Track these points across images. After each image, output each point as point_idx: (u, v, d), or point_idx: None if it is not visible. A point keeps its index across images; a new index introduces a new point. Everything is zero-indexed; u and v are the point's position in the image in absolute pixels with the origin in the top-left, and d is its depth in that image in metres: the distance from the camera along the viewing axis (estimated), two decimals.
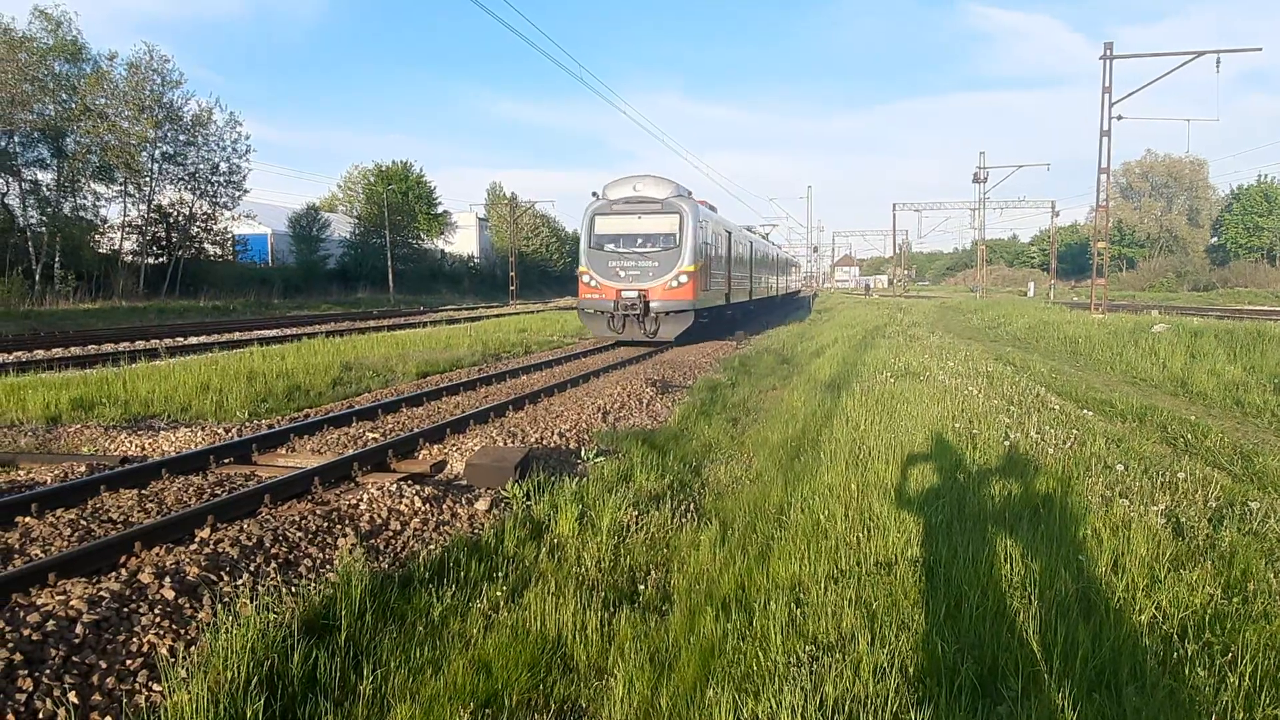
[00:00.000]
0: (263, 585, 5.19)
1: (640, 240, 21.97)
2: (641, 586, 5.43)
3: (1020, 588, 4.68)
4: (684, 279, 21.39)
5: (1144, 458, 7.91)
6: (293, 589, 5.18)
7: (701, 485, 8.10)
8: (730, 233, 27.95)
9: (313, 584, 5.29)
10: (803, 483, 7.21)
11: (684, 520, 6.79)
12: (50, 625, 4.33)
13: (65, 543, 6.12)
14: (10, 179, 39.45)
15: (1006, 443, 8.11)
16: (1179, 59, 30.29)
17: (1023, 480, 6.74)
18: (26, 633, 4.23)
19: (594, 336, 23.26)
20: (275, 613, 4.60)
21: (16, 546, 5.95)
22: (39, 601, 4.68)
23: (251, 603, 4.75)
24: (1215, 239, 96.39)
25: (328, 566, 5.68)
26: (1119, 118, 31.26)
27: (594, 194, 22.86)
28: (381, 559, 5.91)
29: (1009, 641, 4.04)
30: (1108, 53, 31.23)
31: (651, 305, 21.44)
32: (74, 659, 4.14)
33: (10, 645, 4.08)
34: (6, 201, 39.85)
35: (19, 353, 20.03)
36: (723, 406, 12.72)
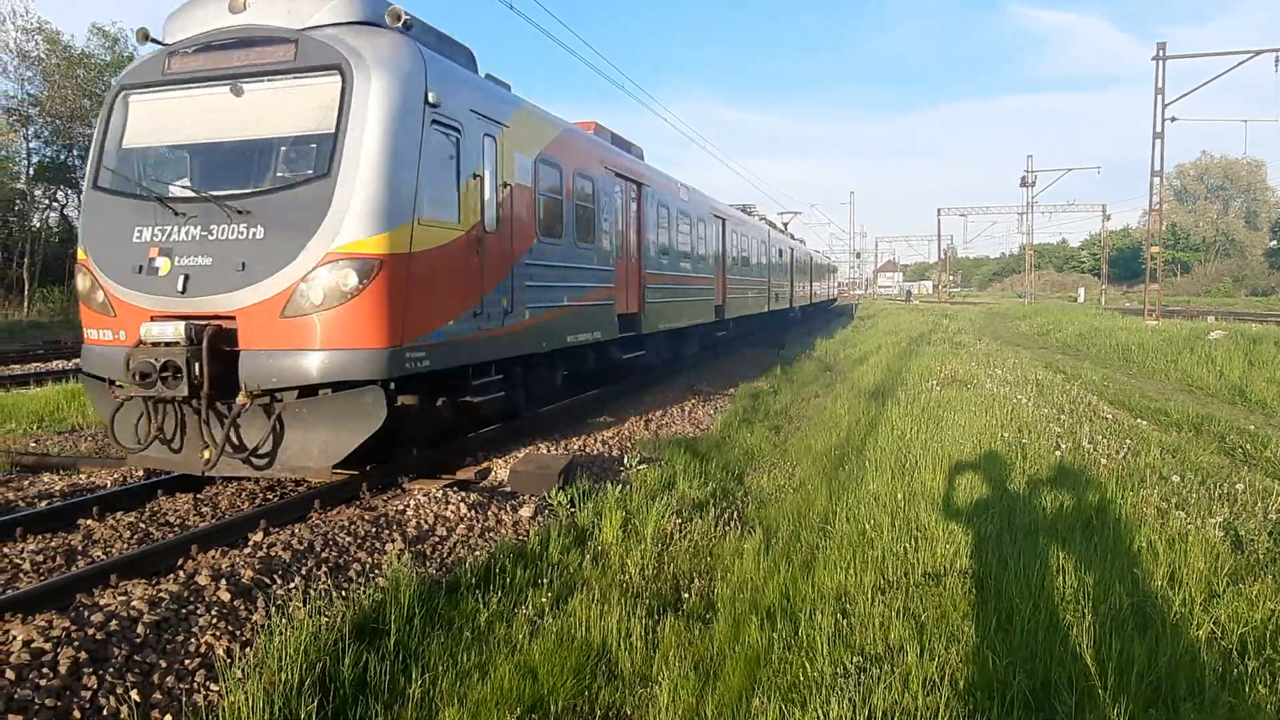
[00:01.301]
0: (314, 589, 5.29)
1: (233, 160, 7.83)
2: (685, 594, 5.43)
3: (1073, 601, 4.59)
4: (352, 280, 6.93)
5: (1201, 468, 7.70)
6: (343, 593, 5.28)
7: (744, 493, 8.08)
8: (641, 185, 14.12)
9: (362, 588, 5.39)
10: (847, 492, 7.15)
11: (727, 528, 6.78)
12: (113, 625, 4.47)
13: (125, 545, 6.31)
14: (70, 191, 40.83)
15: (1057, 453, 7.96)
16: (1235, 58, 29.55)
17: (1075, 491, 6.61)
18: (91, 632, 4.37)
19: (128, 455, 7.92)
20: (326, 616, 4.69)
21: (80, 548, 6.15)
22: (102, 601, 4.83)
23: (304, 606, 4.85)
24: (1275, 242, 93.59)
25: (376, 571, 5.77)
26: (1172, 119, 30.57)
27: (142, 37, 8.19)
28: (428, 564, 5.99)
29: (1062, 655, 3.97)
30: (1160, 53, 30.54)
31: (244, 361, 6.99)
32: (136, 658, 4.27)
33: (76, 644, 4.23)
34: (65, 213, 41.26)
35: (78, 359, 20.67)
36: (765, 414, 12.67)
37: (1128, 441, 8.66)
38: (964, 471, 7.27)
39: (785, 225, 37.39)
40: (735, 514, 7.23)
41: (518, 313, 9.24)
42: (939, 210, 75.70)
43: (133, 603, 4.75)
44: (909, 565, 5.29)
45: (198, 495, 7.56)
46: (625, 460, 8.93)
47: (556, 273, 10.40)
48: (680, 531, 6.53)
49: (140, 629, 4.48)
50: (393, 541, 6.27)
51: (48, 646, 4.18)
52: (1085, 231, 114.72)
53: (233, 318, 7.02)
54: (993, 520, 5.86)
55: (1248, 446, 9.62)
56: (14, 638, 4.24)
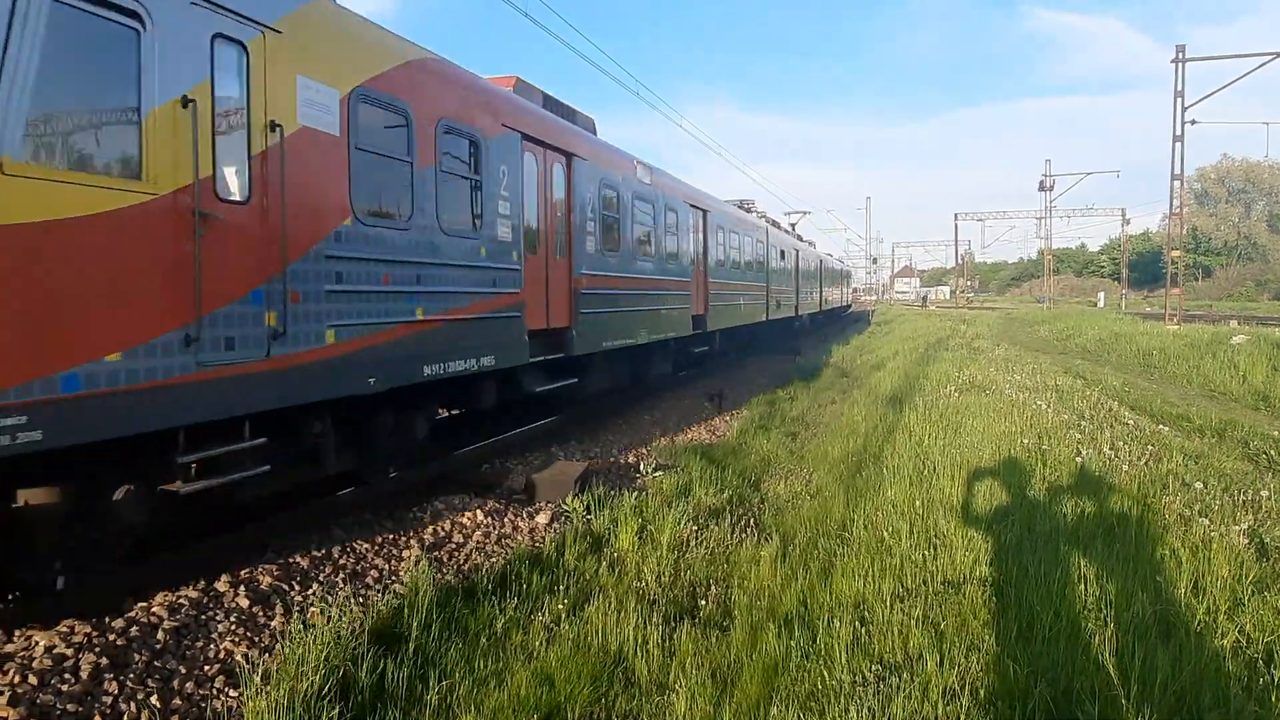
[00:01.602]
0: (333, 596, 5.32)
1: None
2: (702, 602, 5.41)
3: (1095, 609, 4.54)
4: None
5: (1224, 475, 7.61)
6: (361, 599, 5.30)
7: (761, 500, 8.05)
8: (572, 158, 10.64)
9: (380, 595, 5.40)
10: (865, 499, 7.11)
11: (744, 535, 6.76)
12: (134, 631, 4.51)
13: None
14: None
15: (1078, 459, 7.88)
16: (1256, 60, 29.22)
17: (1096, 498, 6.55)
18: (112, 638, 4.41)
19: None
20: (345, 622, 4.71)
21: None
22: (123, 607, 4.87)
23: (323, 612, 4.87)
24: None
25: (394, 577, 5.79)
26: (1192, 122, 30.24)
27: None
28: (445, 571, 6.00)
29: (1084, 664, 3.92)
30: (1179, 56, 30.27)
31: None
32: (156, 664, 4.31)
33: (97, 649, 4.27)
34: None
35: None
36: (781, 420, 12.62)
37: (1149, 448, 8.56)
38: (983, 478, 7.21)
39: (793, 226, 33.47)
40: (752, 521, 7.20)
41: (305, 335, 5.96)
42: (956, 215, 75.12)
43: (153, 609, 4.79)
44: (928, 573, 5.25)
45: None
46: (641, 467, 8.93)
47: (397, 271, 7.02)
48: (697, 538, 6.51)
49: (160, 635, 4.52)
50: (410, 548, 6.30)
51: (69, 652, 4.22)
52: (1105, 236, 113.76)
53: None
54: (1013, 527, 5.81)
55: (1272, 453, 9.47)
56: (36, 643, 4.29)
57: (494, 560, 6.19)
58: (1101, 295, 76.69)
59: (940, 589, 5.01)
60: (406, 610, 4.86)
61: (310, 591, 5.35)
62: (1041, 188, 62.76)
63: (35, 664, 4.09)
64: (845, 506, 7.04)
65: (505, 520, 7.11)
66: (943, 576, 5.19)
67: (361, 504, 7.35)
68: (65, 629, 4.46)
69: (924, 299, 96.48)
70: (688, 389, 16.01)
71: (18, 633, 4.46)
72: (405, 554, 6.19)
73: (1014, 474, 7.28)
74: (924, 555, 5.51)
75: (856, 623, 4.60)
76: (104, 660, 4.19)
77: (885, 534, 6.01)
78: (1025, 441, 8.61)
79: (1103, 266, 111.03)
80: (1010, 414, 10.30)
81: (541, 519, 7.23)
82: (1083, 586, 4.83)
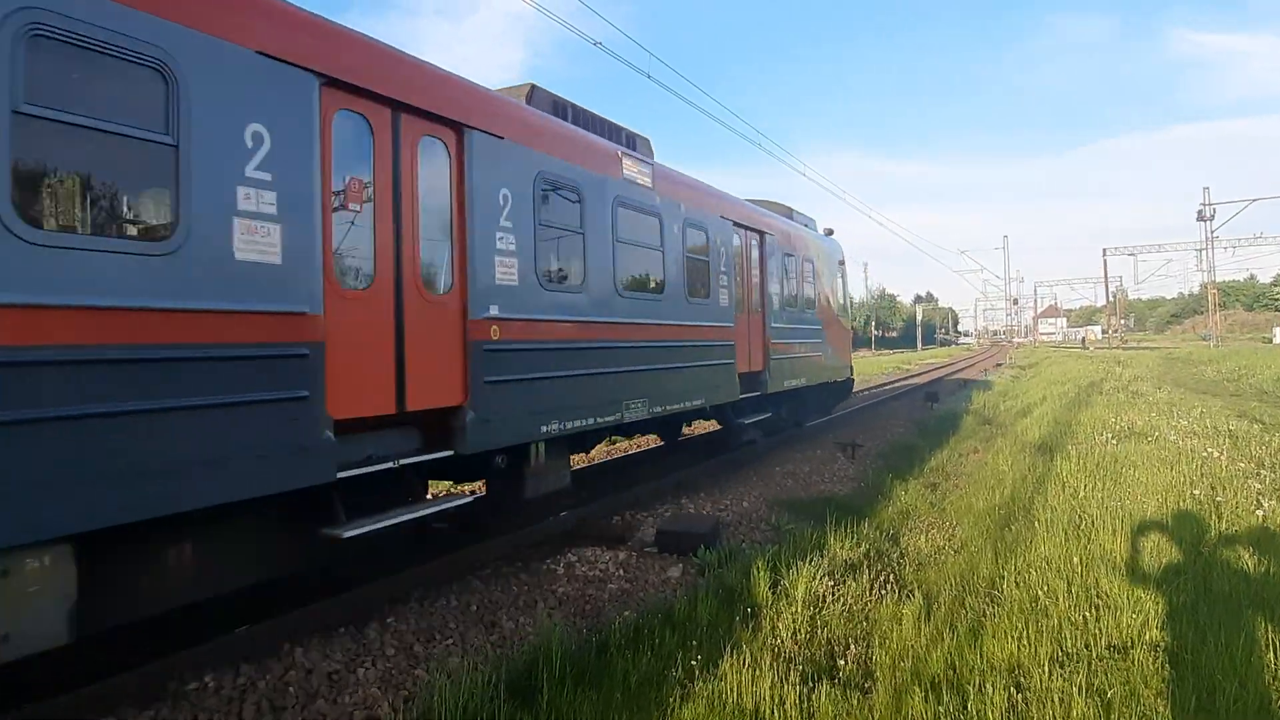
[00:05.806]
0: (470, 646, 5.44)
1: None
2: (840, 661, 5.19)
3: None
4: None
5: None
6: (498, 650, 5.40)
7: (900, 554, 7.70)
8: None
9: (515, 646, 5.49)
10: (1015, 555, 6.69)
11: (883, 591, 6.47)
12: (290, 674, 4.76)
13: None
14: None
15: (1260, 511, 7.16)
16: None
17: None
18: (271, 680, 4.67)
19: None
20: (482, 671, 4.80)
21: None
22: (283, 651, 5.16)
23: (462, 662, 4.99)
24: None
25: (529, 630, 5.88)
26: None
27: None
28: (578, 623, 6.04)
29: None
30: None
31: None
32: (309, 708, 4.52)
33: (258, 690, 4.53)
34: None
35: None
36: (919, 470, 12.11)
37: None
38: (1149, 533, 6.66)
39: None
40: (891, 576, 6.89)
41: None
42: (1105, 250, 70.61)
43: (309, 653, 5.04)
44: (1090, 636, 4.86)
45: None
46: (773, 518, 8.76)
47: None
48: (833, 594, 6.29)
49: (314, 680, 4.75)
50: (544, 600, 6.38)
51: (234, 694, 4.50)
52: (1277, 266, 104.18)
53: None
54: (1185, 587, 5.33)
55: None
56: (207, 684, 4.60)
57: (626, 613, 6.18)
58: (1277, 330, 70.02)
59: (1105, 654, 4.62)
60: (540, 663, 4.91)
61: (450, 642, 5.50)
62: (1200, 217, 58.44)
63: (206, 703, 4.38)
64: (993, 562, 6.64)
65: (637, 573, 7.11)
66: (1107, 640, 4.79)
67: (499, 556, 7.55)
68: (231, 671, 4.76)
69: (1082, 340, 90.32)
70: (819, 439, 15.64)
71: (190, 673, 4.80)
72: (539, 606, 6.28)
73: (1185, 528, 6.69)
74: (1085, 616, 5.11)
75: (1011, 688, 4.30)
76: (264, 702, 4.43)
77: (1040, 593, 5.62)
78: (1196, 493, 7.91)
79: (1277, 299, 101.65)
80: (1177, 463, 9.50)
81: (673, 571, 7.18)
82: (1271, 654, 4.34)
